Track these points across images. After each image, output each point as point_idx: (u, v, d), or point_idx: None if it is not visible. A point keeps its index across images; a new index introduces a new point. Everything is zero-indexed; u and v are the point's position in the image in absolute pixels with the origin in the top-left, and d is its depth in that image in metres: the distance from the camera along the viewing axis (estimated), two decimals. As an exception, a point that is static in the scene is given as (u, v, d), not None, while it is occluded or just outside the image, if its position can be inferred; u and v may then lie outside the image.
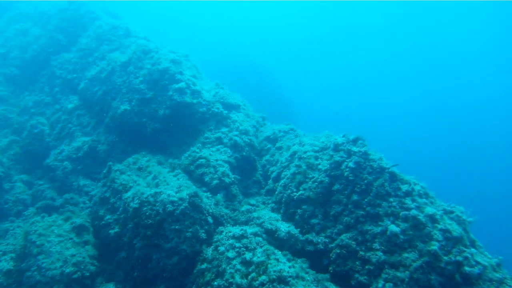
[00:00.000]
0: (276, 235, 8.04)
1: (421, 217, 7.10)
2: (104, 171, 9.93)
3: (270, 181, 10.33)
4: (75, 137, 12.30)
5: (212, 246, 7.60)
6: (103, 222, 9.16)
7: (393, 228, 7.15)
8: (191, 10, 75.57)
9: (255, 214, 8.94)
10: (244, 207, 9.50)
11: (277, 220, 8.52)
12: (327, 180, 8.36)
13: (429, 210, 7.23)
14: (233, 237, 7.46)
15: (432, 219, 7.10)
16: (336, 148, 8.67)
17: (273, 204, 9.53)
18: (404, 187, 7.70)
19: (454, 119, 73.99)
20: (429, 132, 71.66)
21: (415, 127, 72.97)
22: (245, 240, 7.32)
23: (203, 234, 7.83)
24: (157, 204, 7.90)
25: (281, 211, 9.06)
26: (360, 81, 79.10)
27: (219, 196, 9.34)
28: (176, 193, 8.17)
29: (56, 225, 9.08)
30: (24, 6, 19.61)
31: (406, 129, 71.90)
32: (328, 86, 76.47)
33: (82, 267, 8.24)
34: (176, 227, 7.69)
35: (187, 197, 8.02)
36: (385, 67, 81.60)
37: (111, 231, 8.80)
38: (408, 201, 7.48)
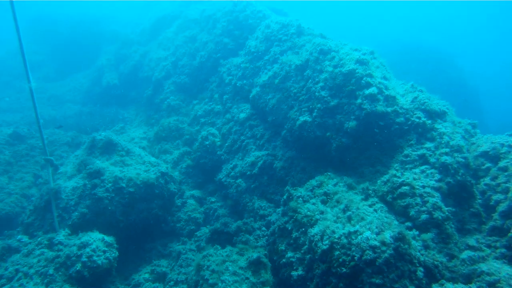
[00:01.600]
0: (520, 305, 5.84)
1: None
2: (284, 198, 8.43)
3: (496, 215, 7.78)
4: (249, 151, 11.20)
5: (427, 314, 5.94)
6: (283, 260, 7.74)
7: None
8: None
9: (483, 267, 6.70)
10: (465, 254, 7.25)
11: (518, 280, 6.28)
12: None
13: None
14: (458, 305, 5.75)
15: None
16: None
17: (503, 250, 7.25)
18: None
19: None
20: None
21: None
22: (476, 312, 5.65)
23: (412, 292, 6.05)
24: (352, 248, 6.52)
25: (521, 263, 6.62)
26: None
27: (429, 236, 7.31)
28: (377, 234, 6.60)
29: (231, 260, 7.95)
30: (191, 13, 19.83)
31: None
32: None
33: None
34: (377, 281, 6.16)
35: (391, 240, 6.45)
36: None
37: (294, 273, 7.38)
38: None
